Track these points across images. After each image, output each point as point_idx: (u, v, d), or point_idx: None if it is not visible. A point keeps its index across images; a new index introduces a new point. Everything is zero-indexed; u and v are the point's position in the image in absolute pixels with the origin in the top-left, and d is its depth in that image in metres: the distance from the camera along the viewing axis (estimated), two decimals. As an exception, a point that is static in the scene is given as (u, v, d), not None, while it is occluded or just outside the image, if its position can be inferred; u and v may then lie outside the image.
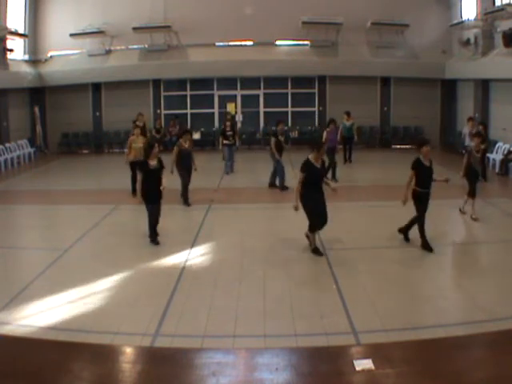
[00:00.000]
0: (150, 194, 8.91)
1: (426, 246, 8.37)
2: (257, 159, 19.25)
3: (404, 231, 8.86)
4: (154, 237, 9.07)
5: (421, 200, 8.33)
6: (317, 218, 8.19)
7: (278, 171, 13.26)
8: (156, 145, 9.26)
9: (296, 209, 8.16)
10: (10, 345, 5.52)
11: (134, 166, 12.51)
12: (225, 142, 15.56)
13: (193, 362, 5.24)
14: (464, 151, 14.20)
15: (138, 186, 8.99)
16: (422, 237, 8.44)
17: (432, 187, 8.48)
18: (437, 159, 17.07)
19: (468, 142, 14.19)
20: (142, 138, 12.64)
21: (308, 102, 21.97)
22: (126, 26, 19.86)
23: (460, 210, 10.67)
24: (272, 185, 13.49)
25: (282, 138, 13.28)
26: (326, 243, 8.84)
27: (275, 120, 14.94)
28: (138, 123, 15.33)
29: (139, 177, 9.01)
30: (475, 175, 10.40)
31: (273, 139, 13.15)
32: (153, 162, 8.97)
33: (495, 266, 7.86)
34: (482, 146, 13.24)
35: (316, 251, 8.31)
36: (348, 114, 16.70)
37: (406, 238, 8.86)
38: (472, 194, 10.29)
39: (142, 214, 9.31)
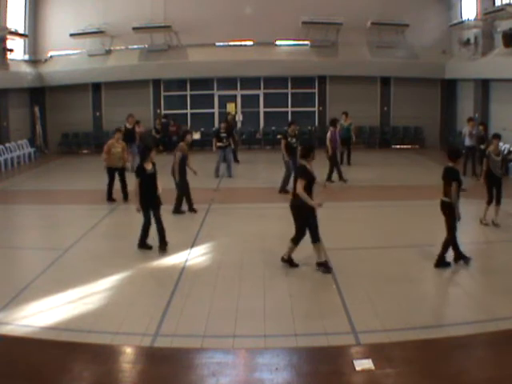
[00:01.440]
0: (148, 200, 8.53)
1: (460, 257, 7.78)
2: (257, 159, 19.29)
3: (441, 258, 7.81)
4: (143, 243, 8.70)
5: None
6: (304, 230, 7.60)
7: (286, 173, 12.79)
8: (153, 149, 8.87)
9: (320, 205, 7.41)
10: (9, 345, 5.53)
11: (112, 172, 12.05)
12: (218, 144, 15.15)
13: (193, 362, 5.24)
14: (464, 151, 14.22)
15: (137, 192, 8.53)
16: (455, 249, 7.81)
17: None
18: (437, 159, 17.05)
19: (468, 142, 14.21)
20: (122, 142, 12.19)
21: (308, 102, 21.98)
22: (126, 25, 19.85)
23: (481, 222, 9.94)
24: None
25: (293, 140, 12.71)
26: (327, 243, 8.84)
27: (288, 121, 14.53)
28: (127, 125, 15.09)
29: (136, 183, 8.52)
30: (494, 180, 9.78)
31: (282, 141, 12.81)
32: (149, 167, 8.56)
33: (495, 265, 7.87)
34: (482, 146, 13.08)
35: (323, 265, 7.60)
36: (346, 114, 16.67)
37: (461, 258, 7.84)
38: (490, 200, 9.81)
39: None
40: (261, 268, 7.82)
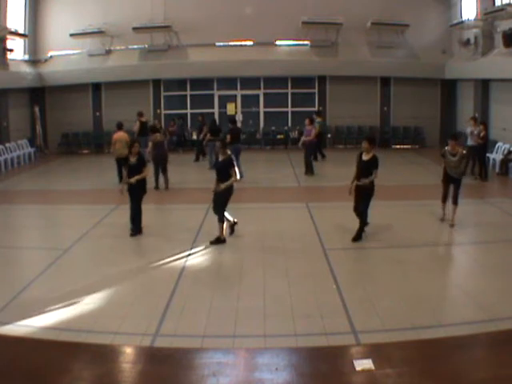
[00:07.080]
0: (130, 189, 9.67)
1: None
2: (257, 159, 19.26)
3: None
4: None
5: None
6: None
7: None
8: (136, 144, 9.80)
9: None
10: (9, 345, 5.52)
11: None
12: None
13: (193, 362, 5.24)
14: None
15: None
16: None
17: None
18: (437, 159, 17.01)
19: (469, 141, 14.17)
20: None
21: (308, 102, 21.96)
22: (126, 25, 19.84)
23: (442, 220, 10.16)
24: None
25: None
26: (326, 243, 8.85)
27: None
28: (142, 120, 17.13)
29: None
30: (449, 180, 9.96)
31: None
32: (132, 159, 9.50)
33: (495, 265, 7.85)
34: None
35: (221, 241, 9.01)
36: (318, 113, 16.97)
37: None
38: (444, 199, 10.09)
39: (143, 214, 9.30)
40: (261, 268, 7.82)
